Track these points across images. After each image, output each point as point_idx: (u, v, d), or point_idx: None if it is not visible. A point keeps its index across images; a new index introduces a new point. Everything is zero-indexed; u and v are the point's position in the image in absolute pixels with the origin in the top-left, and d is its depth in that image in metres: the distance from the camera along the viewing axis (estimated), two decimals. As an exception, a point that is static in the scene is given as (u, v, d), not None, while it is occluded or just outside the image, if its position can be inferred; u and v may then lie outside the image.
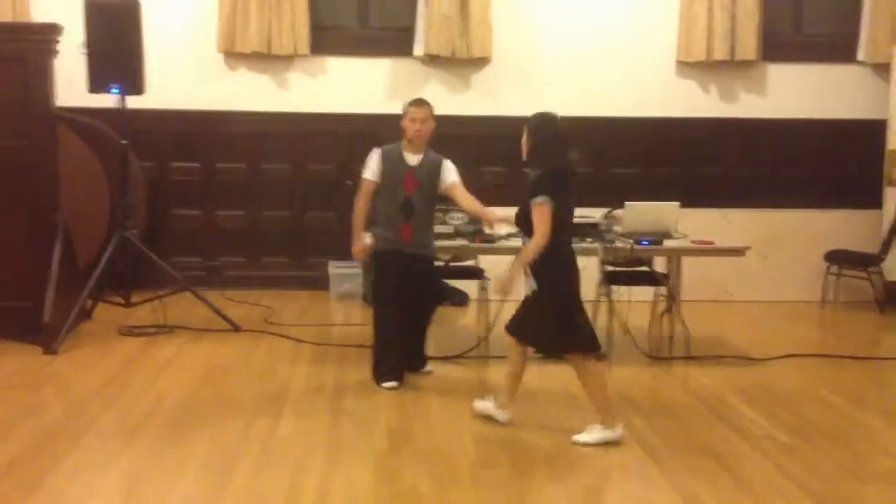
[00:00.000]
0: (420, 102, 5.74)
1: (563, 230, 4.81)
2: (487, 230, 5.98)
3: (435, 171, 5.70)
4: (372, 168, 5.70)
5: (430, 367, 6.01)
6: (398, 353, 5.75)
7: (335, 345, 6.66)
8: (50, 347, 6.25)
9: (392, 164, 5.66)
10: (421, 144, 5.69)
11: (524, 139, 4.89)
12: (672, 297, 6.81)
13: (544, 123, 4.89)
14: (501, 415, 5.04)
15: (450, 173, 5.73)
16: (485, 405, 5.11)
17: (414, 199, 5.63)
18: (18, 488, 4.11)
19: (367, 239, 5.76)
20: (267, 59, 8.44)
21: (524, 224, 4.83)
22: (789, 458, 4.63)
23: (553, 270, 4.78)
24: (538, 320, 4.81)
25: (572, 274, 4.87)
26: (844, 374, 6.23)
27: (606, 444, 4.73)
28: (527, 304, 4.88)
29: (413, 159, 5.68)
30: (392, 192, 5.66)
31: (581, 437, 4.77)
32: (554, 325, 4.78)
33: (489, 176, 8.38)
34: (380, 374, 5.70)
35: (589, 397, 4.91)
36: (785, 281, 8.46)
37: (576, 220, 6.22)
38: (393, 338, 5.71)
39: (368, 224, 5.77)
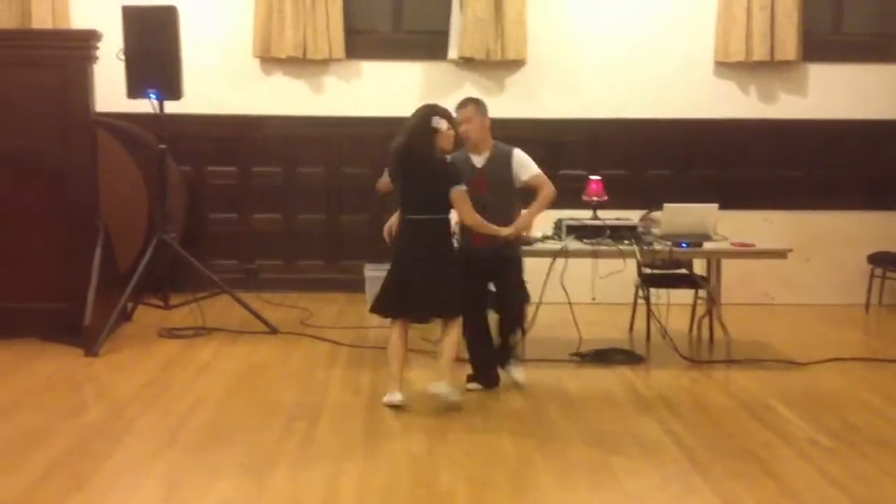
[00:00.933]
0: (462, 104, 5.68)
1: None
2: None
3: (505, 164, 5.61)
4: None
5: (518, 374, 5.77)
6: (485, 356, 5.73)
7: (371, 347, 6.65)
8: (90, 349, 6.31)
9: (464, 170, 5.52)
10: (478, 143, 5.61)
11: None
12: (712, 300, 6.74)
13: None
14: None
15: (521, 169, 5.63)
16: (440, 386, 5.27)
17: (488, 199, 5.50)
18: (61, 488, 4.15)
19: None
20: (302, 63, 8.48)
21: None
22: (832, 463, 4.56)
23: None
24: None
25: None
26: (888, 377, 6.12)
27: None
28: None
29: (478, 160, 5.62)
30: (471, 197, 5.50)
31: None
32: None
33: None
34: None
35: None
36: (827, 284, 8.33)
37: (613, 222, 6.26)
38: (475, 341, 5.70)
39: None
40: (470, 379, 5.70)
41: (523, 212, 5.66)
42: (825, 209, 8.49)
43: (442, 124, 5.29)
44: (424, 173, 5.30)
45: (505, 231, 5.49)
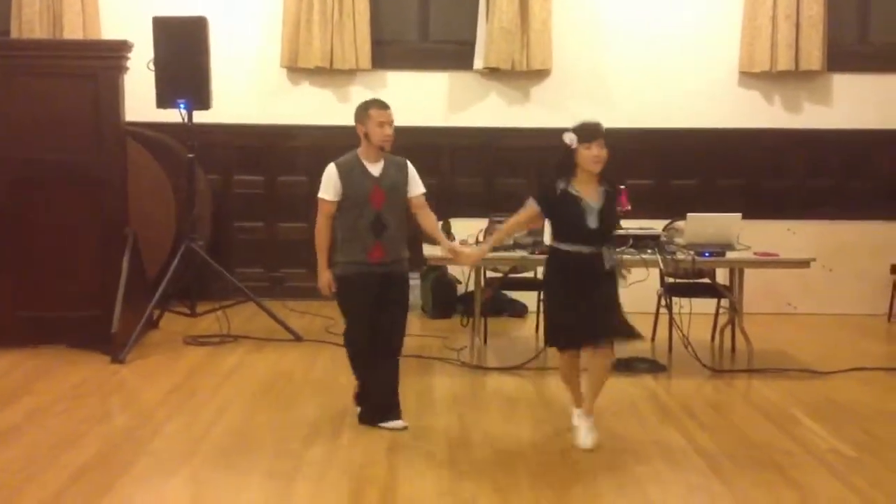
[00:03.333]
0: (383, 103, 5.14)
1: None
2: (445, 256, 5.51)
3: (401, 177, 5.08)
4: (331, 187, 5.03)
5: (402, 422, 5.11)
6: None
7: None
8: (118, 356, 6.39)
9: (354, 179, 5.00)
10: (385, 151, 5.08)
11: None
12: (734, 310, 6.75)
13: None
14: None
15: (416, 183, 5.13)
16: None
17: (384, 214, 5.00)
18: (89, 493, 4.22)
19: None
20: (329, 73, 8.55)
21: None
22: (855, 473, 4.55)
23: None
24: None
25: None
26: (912, 388, 6.11)
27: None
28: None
29: (375, 169, 5.04)
30: (357, 210, 4.99)
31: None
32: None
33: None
34: (379, 416, 5.11)
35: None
36: (850, 294, 8.31)
37: (637, 232, 6.28)
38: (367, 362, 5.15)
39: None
40: (385, 417, 5.14)
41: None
42: (849, 219, 8.47)
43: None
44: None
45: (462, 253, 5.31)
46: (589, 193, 4.82)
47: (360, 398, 5.25)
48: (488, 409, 5.48)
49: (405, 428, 5.06)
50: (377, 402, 5.13)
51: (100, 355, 6.46)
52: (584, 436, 4.87)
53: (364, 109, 5.11)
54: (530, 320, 7.72)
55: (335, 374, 6.23)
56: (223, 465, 4.59)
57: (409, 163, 5.19)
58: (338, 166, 5.07)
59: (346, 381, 6.00)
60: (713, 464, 4.66)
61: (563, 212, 4.84)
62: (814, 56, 8.46)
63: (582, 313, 4.79)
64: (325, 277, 5.17)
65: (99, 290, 6.66)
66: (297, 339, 7.07)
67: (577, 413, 5.02)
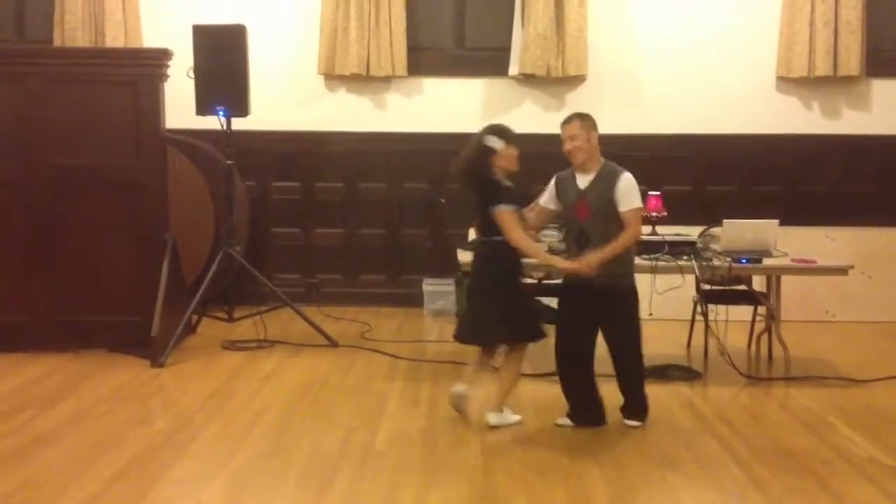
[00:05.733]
0: (568, 119, 5.19)
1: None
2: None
3: (608, 188, 5.04)
4: (545, 195, 5.30)
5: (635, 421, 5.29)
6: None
7: (430, 361, 6.73)
8: (157, 360, 6.47)
9: (565, 190, 5.16)
10: (585, 163, 5.10)
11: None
12: (771, 317, 6.70)
13: None
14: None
15: (622, 197, 5.01)
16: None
17: (588, 226, 5.05)
18: (128, 495, 4.28)
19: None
20: (365, 80, 8.61)
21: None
22: (893, 481, 4.51)
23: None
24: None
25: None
26: (953, 397, 6.04)
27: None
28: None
29: (583, 181, 5.10)
30: (568, 222, 5.26)
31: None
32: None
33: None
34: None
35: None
36: (890, 301, 8.20)
37: (672, 238, 6.26)
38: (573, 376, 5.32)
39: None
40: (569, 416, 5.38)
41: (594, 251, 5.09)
42: (888, 226, 8.38)
43: (497, 143, 5.12)
44: (479, 194, 5.19)
45: (565, 264, 5.15)
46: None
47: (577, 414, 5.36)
48: (523, 415, 5.48)
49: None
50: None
51: (139, 359, 6.55)
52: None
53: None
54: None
55: (370, 379, 6.28)
56: (260, 468, 4.64)
57: (624, 174, 5.08)
58: (557, 177, 5.28)
59: (381, 387, 6.07)
60: (748, 471, 4.63)
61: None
62: (852, 61, 8.39)
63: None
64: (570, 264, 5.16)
65: (138, 294, 6.75)
66: (333, 344, 7.12)
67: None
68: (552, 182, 5.31)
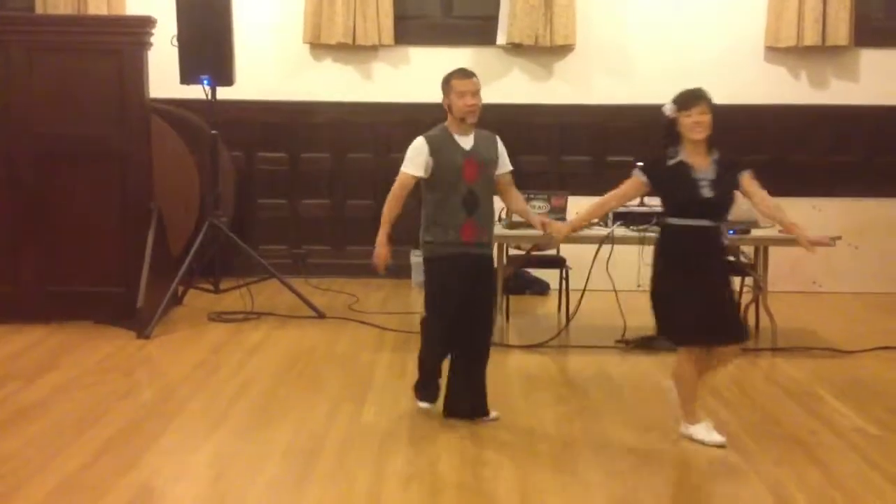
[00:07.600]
0: (466, 73, 4.75)
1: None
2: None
3: (492, 151, 4.82)
4: (420, 162, 4.73)
5: (495, 413, 4.94)
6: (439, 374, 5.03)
7: (417, 332, 6.68)
8: (143, 332, 6.44)
9: (445, 153, 4.71)
10: (473, 123, 4.76)
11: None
12: (758, 288, 6.70)
13: None
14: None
15: (505, 160, 4.89)
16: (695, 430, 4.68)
17: (477, 188, 4.73)
18: (114, 466, 4.26)
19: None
20: (351, 49, 8.54)
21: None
22: (879, 452, 4.53)
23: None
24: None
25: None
26: (938, 367, 6.07)
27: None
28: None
29: (467, 142, 4.74)
30: (450, 184, 4.72)
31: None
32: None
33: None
34: (423, 395, 5.08)
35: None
36: (876, 272, 8.24)
37: (659, 209, 6.22)
38: (443, 357, 4.97)
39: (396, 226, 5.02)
40: (424, 398, 5.09)
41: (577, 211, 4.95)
42: (875, 196, 8.40)
43: None
44: None
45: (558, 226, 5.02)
46: (699, 164, 4.70)
47: (422, 389, 5.06)
48: (510, 386, 5.48)
49: (498, 418, 4.90)
50: (467, 403, 4.88)
51: (125, 331, 6.52)
52: (713, 433, 4.64)
53: (446, 80, 4.75)
54: (552, 298, 7.71)
55: (357, 350, 6.27)
56: (246, 439, 4.63)
57: (498, 138, 4.90)
58: (428, 139, 4.73)
59: (368, 358, 6.06)
60: (736, 442, 4.64)
61: (674, 184, 4.68)
62: (841, 31, 8.36)
63: (710, 304, 4.55)
64: (383, 252, 4.99)
65: (124, 265, 6.71)
66: (320, 316, 7.10)
67: (704, 426, 4.66)
68: (422, 145, 4.74)
